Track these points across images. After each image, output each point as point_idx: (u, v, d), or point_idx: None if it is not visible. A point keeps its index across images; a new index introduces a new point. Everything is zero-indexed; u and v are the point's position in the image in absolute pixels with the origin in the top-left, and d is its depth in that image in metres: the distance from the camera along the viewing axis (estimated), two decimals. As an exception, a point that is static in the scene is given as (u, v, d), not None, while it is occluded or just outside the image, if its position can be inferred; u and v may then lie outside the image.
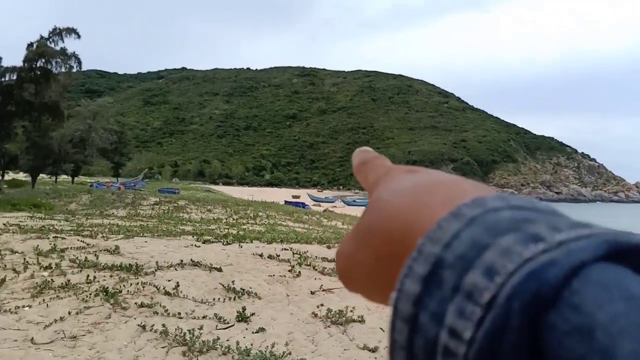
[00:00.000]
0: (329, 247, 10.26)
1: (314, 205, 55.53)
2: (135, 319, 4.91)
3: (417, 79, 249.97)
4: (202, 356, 4.22)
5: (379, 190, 0.35)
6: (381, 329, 5.37)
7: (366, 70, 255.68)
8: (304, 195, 78.91)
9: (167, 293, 5.72)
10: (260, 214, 22.60)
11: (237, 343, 4.43)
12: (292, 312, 5.65)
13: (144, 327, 4.64)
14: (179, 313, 5.14)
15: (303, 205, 45.86)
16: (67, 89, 43.68)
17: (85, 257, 6.96)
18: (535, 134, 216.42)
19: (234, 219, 19.94)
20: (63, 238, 8.93)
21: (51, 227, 11.10)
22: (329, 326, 5.29)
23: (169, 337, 4.48)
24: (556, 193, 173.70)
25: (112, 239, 9.55)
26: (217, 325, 4.94)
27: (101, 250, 7.77)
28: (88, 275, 6.03)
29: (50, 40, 32.10)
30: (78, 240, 8.68)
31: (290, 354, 4.37)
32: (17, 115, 32.40)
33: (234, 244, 9.73)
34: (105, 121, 62.04)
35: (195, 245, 9.28)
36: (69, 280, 5.74)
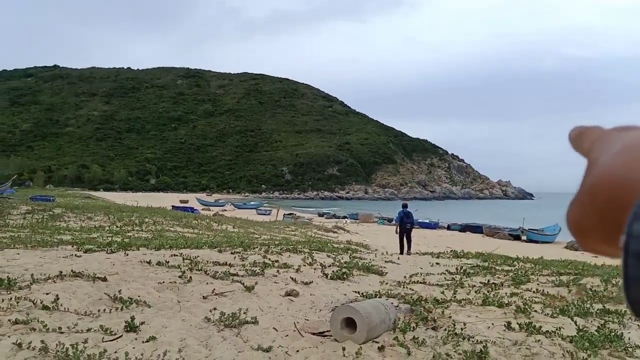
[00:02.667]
0: (220, 251, 10.16)
1: (203, 209, 54.29)
2: (9, 337, 4.52)
3: (303, 83, 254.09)
4: (88, 371, 4.01)
5: (593, 153, 0.40)
6: (274, 328, 5.44)
7: (252, 73, 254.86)
8: (192, 199, 76.84)
9: (45, 307, 5.32)
10: (147, 220, 21.68)
11: (127, 354, 4.26)
12: (184, 319, 5.54)
13: (19, 345, 4.29)
14: (60, 328, 4.82)
15: (192, 209, 44.69)
16: None
17: (-54, 274, 6.27)
18: (411, 137, 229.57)
19: (117, 227, 18.94)
20: None
21: None
22: (222, 329, 5.25)
23: (50, 353, 4.19)
24: (431, 192, 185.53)
25: (-23, 252, 8.67)
26: (103, 338, 4.69)
27: (-35, 265, 7.03)
28: (-50, 293, 5.44)
29: None
30: None
31: (183, 360, 4.29)
32: None
33: (119, 251, 9.27)
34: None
35: (75, 255, 8.71)
36: None
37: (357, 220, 52.93)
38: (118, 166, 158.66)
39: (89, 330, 4.84)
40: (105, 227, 18.30)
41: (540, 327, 5.39)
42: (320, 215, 62.90)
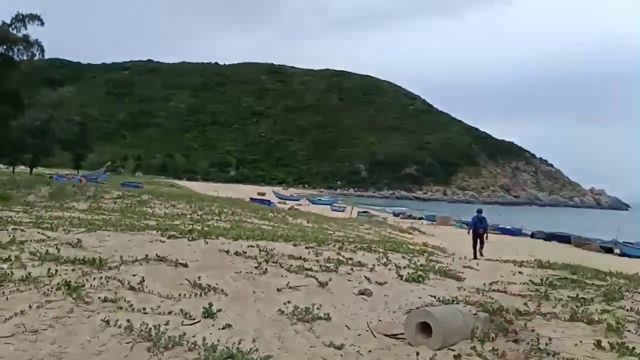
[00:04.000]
0: (295, 245, 10.29)
1: (279, 202, 55.45)
2: (98, 313, 4.81)
3: (385, 80, 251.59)
4: (168, 352, 4.18)
5: None
6: (347, 326, 5.42)
7: (334, 70, 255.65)
8: (269, 192, 78.71)
9: (131, 288, 5.63)
10: (226, 210, 22.41)
11: (204, 339, 4.40)
12: (258, 309, 5.65)
13: (107, 322, 4.56)
14: (144, 308, 5.07)
15: (268, 202, 45.79)
16: (28, 77, 42.47)
17: (47, 250, 6.77)
18: (496, 139, 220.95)
19: (198, 215, 19.71)
20: (22, 230, 8.67)
21: (9, 219, 10.75)
22: (295, 323, 5.31)
23: (134, 332, 4.42)
24: (514, 196, 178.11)
25: (74, 232, 9.32)
26: (182, 321, 4.89)
27: (62, 244, 7.57)
28: (49, 269, 5.87)
29: (13, 26, 31.07)
30: (38, 232, 8.44)
31: (257, 350, 4.37)
32: (-26, 102, 31.25)
33: (200, 239, 9.64)
34: (67, 112, 60.26)
35: (160, 240, 9.15)
36: (29, 274, 5.57)
37: (434, 223, 51.96)
38: (201, 157, 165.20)
39: (170, 312, 5.05)
40: (187, 215, 19.10)
41: (634, 348, 4.99)
42: (396, 214, 62.33)
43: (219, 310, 5.26)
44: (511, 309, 6.47)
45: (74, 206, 19.49)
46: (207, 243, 9.27)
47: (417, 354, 4.69)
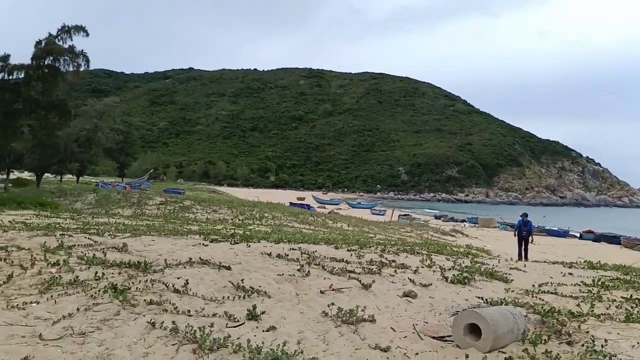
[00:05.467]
0: (336, 248, 10.21)
1: (318, 207, 55.50)
2: (144, 316, 4.85)
3: (424, 82, 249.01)
4: (213, 354, 4.15)
5: None
6: (392, 329, 5.29)
7: (373, 72, 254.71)
8: (308, 197, 78.91)
9: (176, 291, 5.66)
10: (266, 215, 22.59)
11: (248, 341, 4.36)
12: (302, 311, 5.59)
13: (153, 324, 4.58)
14: (189, 311, 5.08)
15: (308, 207, 45.86)
16: (74, 88, 43.93)
17: (93, 255, 6.92)
18: (540, 138, 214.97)
19: (240, 220, 19.93)
20: (70, 235, 8.91)
21: (57, 225, 11.08)
22: (339, 325, 5.22)
23: (179, 334, 4.42)
24: (560, 197, 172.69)
25: (119, 237, 9.52)
26: (227, 324, 4.87)
27: (109, 248, 7.72)
28: (96, 272, 5.98)
29: (59, 38, 32.21)
30: (85, 237, 8.65)
31: (302, 352, 4.30)
32: (23, 113, 32.48)
33: (242, 243, 9.67)
34: (111, 121, 62.23)
35: (202, 244, 9.23)
36: (77, 277, 5.69)
37: (477, 225, 50.90)
38: (241, 163, 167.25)
39: (214, 315, 5.05)
40: (229, 220, 19.34)
41: (698, 352, 4.68)
42: (437, 217, 61.40)
43: (263, 313, 5.23)
44: (563, 311, 6.20)
45: (119, 212, 20.01)
46: (249, 246, 9.29)
47: (467, 356, 4.52)
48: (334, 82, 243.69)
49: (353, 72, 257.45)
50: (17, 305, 4.82)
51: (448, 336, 5.06)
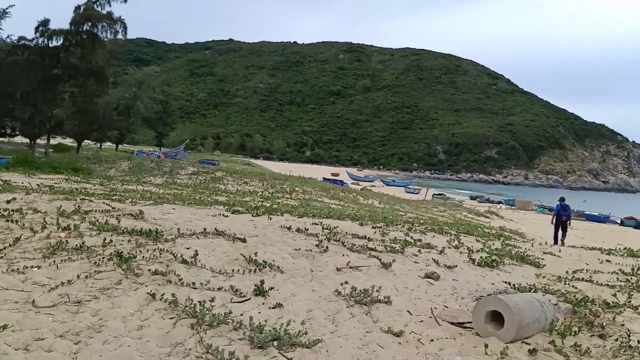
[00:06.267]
0: (361, 224, 9.86)
1: (352, 183, 55.10)
2: (146, 286, 4.63)
3: (466, 59, 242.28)
4: (211, 330, 3.91)
5: None
6: (408, 312, 4.94)
7: (414, 48, 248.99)
8: (343, 173, 78.42)
9: (184, 261, 5.44)
10: (297, 189, 22.37)
11: (251, 318, 4.09)
12: (314, 289, 5.29)
13: (153, 295, 4.35)
14: (194, 283, 4.84)
15: (341, 182, 45.51)
16: (114, 56, 44.43)
17: (106, 220, 6.78)
18: (585, 121, 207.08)
19: (269, 193, 19.77)
20: (90, 201, 8.83)
21: (83, 190, 11.08)
22: (352, 305, 4.90)
23: (179, 307, 4.18)
24: (603, 182, 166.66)
25: (140, 204, 9.41)
26: (232, 298, 4.61)
27: (125, 215, 7.58)
28: (105, 239, 5.81)
29: (97, 3, 32.35)
30: (104, 203, 8.55)
31: (306, 333, 4.00)
32: (62, 79, 32.96)
33: (264, 216, 9.43)
34: (150, 90, 62.79)
35: (223, 215, 9.03)
36: (83, 243, 5.53)
37: (513, 207, 49.63)
38: (277, 137, 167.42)
39: (219, 289, 4.79)
40: (259, 192, 19.18)
41: None
42: (473, 198, 60.24)
43: (271, 289, 4.95)
44: (597, 300, 5.72)
45: (150, 180, 20.11)
46: (270, 219, 9.04)
47: (486, 346, 4.14)
48: (374, 57, 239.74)
49: (394, 48, 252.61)
50: (18, 269, 4.67)
51: (468, 322, 4.69)
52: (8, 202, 8.03)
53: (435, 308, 5.09)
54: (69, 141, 53.13)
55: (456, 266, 6.96)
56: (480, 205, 44.86)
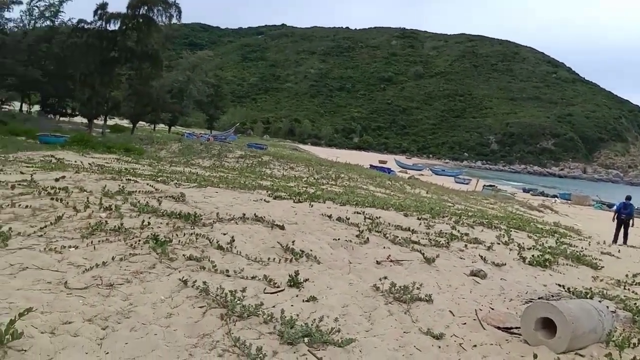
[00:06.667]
0: (406, 215, 9.54)
1: (400, 171, 54.38)
2: (179, 272, 4.54)
3: (525, 46, 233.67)
4: (241, 322, 3.76)
5: None
6: (451, 312, 4.65)
7: (470, 34, 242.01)
8: (391, 160, 77.54)
9: (219, 247, 5.33)
10: (342, 175, 22.15)
11: (282, 311, 3.92)
12: (351, 282, 5.07)
13: (185, 282, 4.25)
14: (227, 270, 4.71)
15: (389, 170, 44.94)
16: (169, 40, 45.31)
17: (147, 202, 6.76)
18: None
19: (314, 179, 19.64)
20: (135, 181, 8.89)
21: (131, 170, 11.23)
22: (390, 302, 4.65)
23: (209, 296, 4.06)
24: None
25: (184, 186, 9.42)
26: (265, 289, 4.46)
27: (167, 197, 7.57)
28: (143, 221, 5.77)
29: (153, -13, 32.91)
30: (148, 185, 8.59)
31: (339, 331, 3.79)
32: (119, 62, 33.80)
33: (305, 202, 9.26)
34: (203, 74, 63.72)
35: (264, 200, 8.92)
36: (122, 224, 5.50)
37: (569, 201, 47.67)
38: (326, 122, 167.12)
39: (253, 278, 4.65)
40: (304, 178, 19.08)
41: None
42: (526, 190, 58.31)
43: (306, 280, 4.76)
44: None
45: (198, 163, 20.35)
46: (311, 206, 8.86)
47: (535, 356, 3.81)
48: (428, 43, 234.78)
49: (448, 34, 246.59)
50: (55, 248, 4.66)
51: (516, 328, 4.36)
52: (57, 180, 8.18)
53: (481, 310, 4.77)
54: (125, 122, 54.73)
55: (505, 264, 6.57)
56: (534, 198, 43.31)
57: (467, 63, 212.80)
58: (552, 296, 5.41)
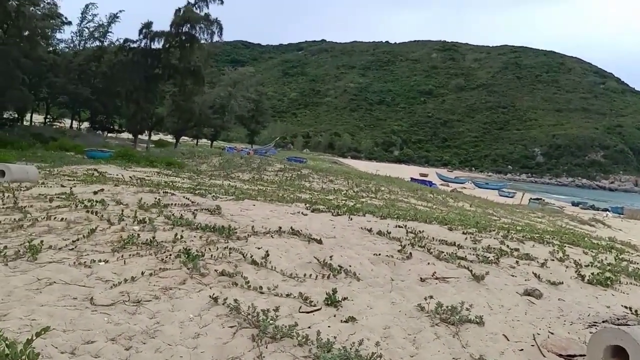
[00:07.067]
0: (450, 229, 9.06)
1: (441, 184, 53.28)
2: (210, 288, 4.29)
3: (571, 56, 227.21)
4: (273, 344, 3.46)
5: None
6: (505, 336, 4.21)
7: (512, 46, 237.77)
8: (432, 173, 76.26)
9: (254, 262, 5.06)
10: (383, 188, 21.70)
11: (318, 333, 3.60)
12: (393, 301, 4.69)
13: (216, 299, 3.99)
14: (261, 287, 4.43)
15: (430, 183, 44.07)
16: (212, 56, 46.22)
17: (181, 215, 6.59)
18: None
19: (354, 191, 19.28)
20: (172, 194, 8.79)
21: (170, 183, 11.19)
22: (437, 324, 4.25)
23: (241, 315, 3.78)
24: None
25: (222, 199, 9.26)
26: (300, 307, 4.14)
27: (202, 210, 7.40)
28: (176, 234, 5.58)
29: (196, 6, 33.59)
30: (185, 197, 8.46)
31: (380, 356, 3.43)
32: (163, 78, 34.56)
33: (344, 215, 8.93)
34: (245, 90, 64.61)
35: (302, 213, 8.64)
36: (154, 237, 5.32)
37: (622, 215, 45.51)
38: (366, 136, 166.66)
39: (288, 295, 4.35)
40: (343, 191, 18.74)
41: None
42: (575, 204, 56.01)
43: (345, 299, 4.42)
44: None
45: (238, 176, 20.32)
46: (350, 219, 8.52)
47: (605, 390, 3.35)
48: (469, 55, 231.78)
49: (490, 45, 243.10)
50: (85, 262, 4.51)
51: (580, 355, 3.90)
52: (95, 193, 8.16)
53: (539, 334, 4.31)
54: (169, 137, 55.92)
55: (562, 283, 6.04)
56: (584, 212, 41.52)
57: (510, 74, 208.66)
58: (618, 319, 4.88)
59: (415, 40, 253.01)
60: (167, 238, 5.46)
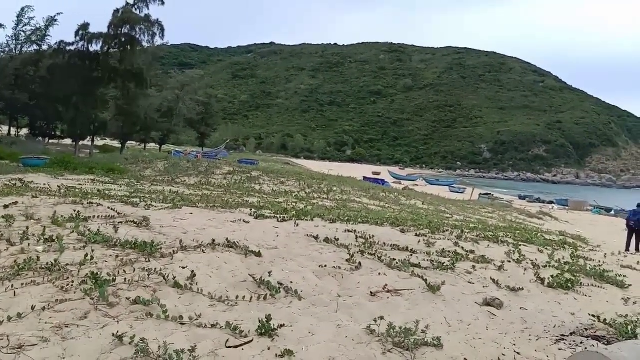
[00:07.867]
0: (403, 231, 8.56)
1: (394, 182, 53.42)
2: (117, 322, 3.54)
3: (511, 57, 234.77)
4: (188, 395, 2.76)
5: None
6: None
7: (457, 47, 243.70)
8: (384, 172, 76.63)
9: (176, 285, 4.32)
10: (335, 188, 21.19)
11: (246, 375, 2.92)
12: (339, 324, 4.06)
13: (120, 338, 3.25)
14: (181, 317, 3.71)
15: (382, 182, 43.96)
16: (157, 59, 44.52)
17: (98, 230, 5.76)
18: (639, 118, 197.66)
19: (305, 193, 18.67)
20: (98, 205, 7.89)
21: (104, 192, 10.24)
22: (389, 350, 3.65)
23: (150, 357, 3.06)
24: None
25: (156, 208, 8.43)
26: (227, 341, 3.44)
27: (127, 222, 6.57)
28: (87, 255, 4.76)
29: (135, 7, 32.10)
30: (111, 208, 7.58)
31: (322, 402, 2.79)
32: (102, 81, 32.88)
33: (291, 221, 8.28)
34: (193, 93, 63.09)
35: (244, 221, 7.93)
36: (56, 260, 4.49)
37: (566, 207, 46.88)
38: (318, 137, 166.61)
39: (214, 325, 3.64)
40: (294, 193, 18.09)
41: None
42: (522, 198, 57.47)
43: (282, 326, 3.74)
44: None
45: (184, 181, 19.33)
46: (297, 225, 7.88)
47: None
48: (415, 56, 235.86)
49: (435, 47, 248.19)
50: (-38, 297, 3.67)
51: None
52: (6, 207, 7.17)
53: (504, 354, 3.79)
54: (115, 142, 53.70)
55: (522, 288, 5.59)
56: (531, 205, 42.43)
57: (455, 74, 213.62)
58: (586, 329, 4.43)
59: (363, 42, 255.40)
60: (75, 259, 4.64)
